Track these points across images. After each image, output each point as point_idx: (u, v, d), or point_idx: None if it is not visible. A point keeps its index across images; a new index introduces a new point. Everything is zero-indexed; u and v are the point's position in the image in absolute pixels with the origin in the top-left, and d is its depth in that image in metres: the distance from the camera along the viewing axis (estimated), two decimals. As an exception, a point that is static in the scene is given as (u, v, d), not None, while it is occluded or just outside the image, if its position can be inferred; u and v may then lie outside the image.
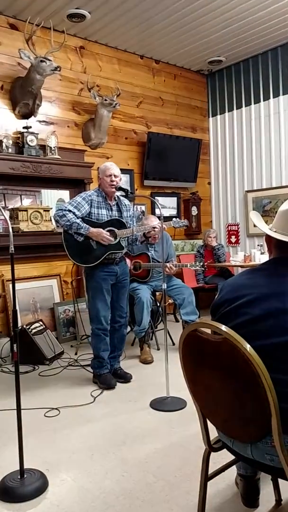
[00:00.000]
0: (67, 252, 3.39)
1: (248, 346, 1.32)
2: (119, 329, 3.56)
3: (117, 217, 3.47)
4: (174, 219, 3.91)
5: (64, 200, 4.89)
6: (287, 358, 1.35)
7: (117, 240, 3.40)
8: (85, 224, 3.29)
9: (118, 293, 3.50)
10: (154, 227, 3.64)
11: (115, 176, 3.37)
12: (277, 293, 1.42)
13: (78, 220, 3.28)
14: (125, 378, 3.50)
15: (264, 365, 1.31)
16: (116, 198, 3.52)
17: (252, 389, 1.33)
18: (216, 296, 1.63)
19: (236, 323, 1.45)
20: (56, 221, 3.36)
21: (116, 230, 3.41)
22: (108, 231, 3.37)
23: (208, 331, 1.46)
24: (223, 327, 1.37)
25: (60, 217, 3.29)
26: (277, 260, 1.56)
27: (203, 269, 4.51)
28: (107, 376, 3.43)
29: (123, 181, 5.42)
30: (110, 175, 3.37)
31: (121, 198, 3.55)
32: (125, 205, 3.56)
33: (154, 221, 4.17)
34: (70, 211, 3.28)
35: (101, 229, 3.33)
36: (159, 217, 3.71)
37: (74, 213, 3.29)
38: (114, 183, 3.37)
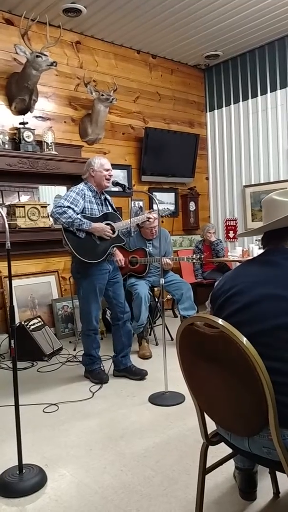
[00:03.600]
0: (75, 251, 3.21)
1: (244, 339, 1.32)
2: (124, 326, 3.52)
3: (110, 211, 3.47)
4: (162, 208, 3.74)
5: (61, 196, 4.87)
6: (277, 344, 1.36)
7: (116, 233, 3.40)
8: (86, 220, 3.22)
9: (114, 290, 3.48)
10: (149, 218, 3.61)
11: (110, 170, 3.38)
12: (263, 280, 1.47)
13: (79, 216, 3.20)
14: (141, 374, 3.44)
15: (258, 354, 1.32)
16: (104, 193, 3.49)
17: (249, 382, 1.33)
18: (215, 287, 1.66)
19: (228, 312, 1.49)
20: (56, 219, 3.18)
21: (112, 223, 3.40)
22: (105, 224, 3.37)
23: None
24: (220, 321, 1.38)
25: (60, 214, 3.14)
26: (266, 251, 1.61)
27: (200, 262, 4.51)
28: (99, 371, 3.45)
29: (121, 176, 5.44)
30: (108, 170, 3.37)
31: (104, 192, 3.50)
32: (108, 199, 3.54)
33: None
34: (69, 207, 3.18)
35: (103, 224, 3.31)
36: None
37: (73, 209, 3.19)
38: (111, 177, 3.38)
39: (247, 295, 1.47)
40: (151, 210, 3.66)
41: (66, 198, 3.24)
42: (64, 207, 3.17)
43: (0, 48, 4.51)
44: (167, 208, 3.90)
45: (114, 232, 3.37)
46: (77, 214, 3.22)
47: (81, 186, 3.36)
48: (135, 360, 3.85)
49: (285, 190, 1.62)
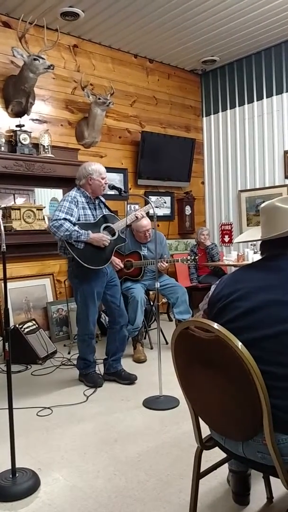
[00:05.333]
0: (81, 261, 3.17)
1: (239, 344, 1.33)
2: (121, 330, 3.51)
3: (107, 213, 3.46)
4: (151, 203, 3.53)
5: (57, 199, 4.87)
6: (280, 350, 1.36)
7: (117, 234, 3.39)
8: (84, 231, 3.18)
9: (113, 294, 3.46)
10: (137, 216, 3.59)
11: (106, 178, 3.38)
12: (268, 285, 1.46)
13: (76, 228, 3.16)
14: (130, 379, 3.43)
15: (257, 359, 1.32)
16: (98, 196, 3.47)
17: (244, 387, 1.34)
18: (213, 290, 1.64)
19: (229, 317, 1.48)
20: (54, 233, 3.14)
21: (111, 225, 3.40)
22: (104, 228, 3.36)
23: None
24: (215, 325, 1.38)
25: (57, 228, 3.09)
26: (269, 256, 1.60)
27: (194, 263, 4.51)
28: (94, 375, 3.44)
29: (117, 180, 5.45)
30: (104, 178, 3.36)
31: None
32: (103, 201, 3.52)
33: (143, 221, 4.16)
34: (65, 219, 3.13)
35: (100, 234, 3.27)
36: (151, 217, 3.70)
37: (69, 220, 3.15)
38: (106, 184, 3.38)
39: (250, 300, 1.45)
40: (143, 209, 3.63)
41: (61, 209, 3.19)
42: (60, 219, 3.12)
43: (-2, 51, 4.52)
44: (161, 199, 3.88)
45: (114, 235, 3.37)
46: (74, 224, 3.18)
47: (73, 193, 3.31)
48: (129, 364, 3.86)
49: (286, 197, 1.61)
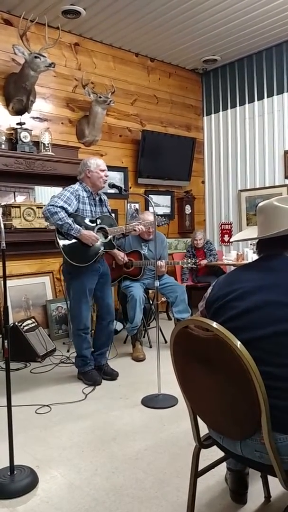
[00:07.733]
0: (65, 254, 3.20)
1: (238, 343, 1.33)
2: (108, 326, 3.54)
3: (105, 214, 3.47)
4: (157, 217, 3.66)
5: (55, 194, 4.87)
6: (277, 350, 1.36)
7: (109, 238, 3.40)
8: (76, 226, 3.19)
9: (103, 290, 3.49)
10: (135, 229, 3.67)
11: (105, 171, 3.39)
12: (264, 286, 1.46)
13: (69, 220, 3.17)
14: (111, 375, 3.48)
15: (254, 359, 1.32)
16: (99, 193, 3.49)
17: (242, 386, 1.34)
18: (210, 291, 1.64)
19: (226, 317, 1.48)
20: (47, 218, 3.17)
21: (106, 227, 3.40)
22: (99, 228, 3.37)
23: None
24: (214, 324, 1.38)
25: (51, 215, 3.12)
26: (266, 257, 1.60)
27: (195, 266, 4.53)
28: (92, 372, 3.45)
29: (117, 178, 5.45)
30: (104, 170, 3.38)
31: (99, 192, 3.49)
32: (104, 200, 3.54)
33: (149, 216, 4.18)
34: (62, 207, 3.16)
35: (92, 232, 3.29)
36: (152, 213, 3.71)
37: (66, 209, 3.18)
38: (107, 178, 3.39)
39: (247, 300, 1.45)
40: (145, 223, 3.75)
41: (60, 197, 3.23)
42: (57, 206, 3.15)
43: (-1, 48, 4.52)
44: (163, 217, 3.97)
45: (106, 237, 3.38)
46: (70, 214, 3.21)
47: (76, 186, 3.35)
48: (128, 362, 3.86)
49: (284, 197, 1.61)
